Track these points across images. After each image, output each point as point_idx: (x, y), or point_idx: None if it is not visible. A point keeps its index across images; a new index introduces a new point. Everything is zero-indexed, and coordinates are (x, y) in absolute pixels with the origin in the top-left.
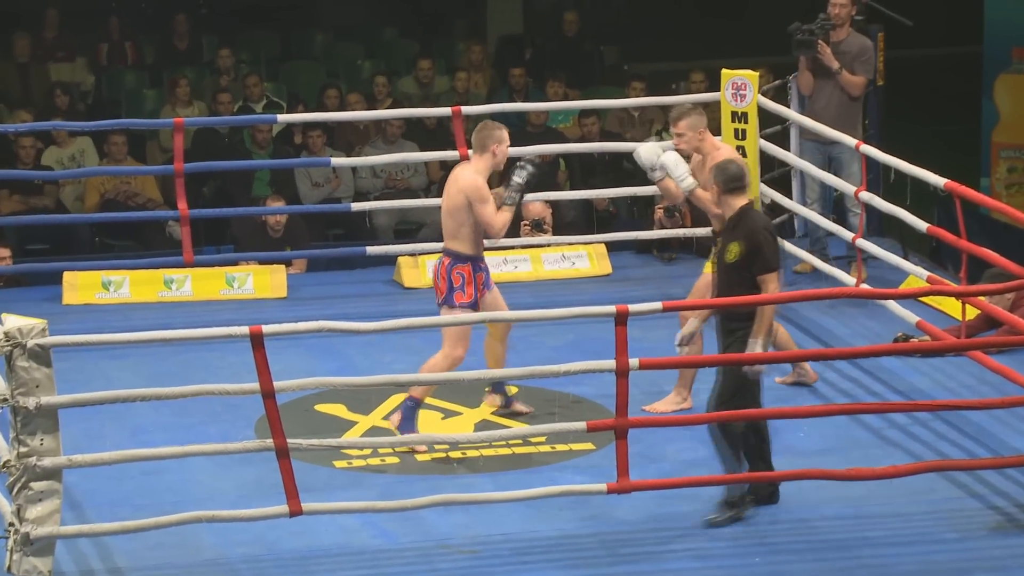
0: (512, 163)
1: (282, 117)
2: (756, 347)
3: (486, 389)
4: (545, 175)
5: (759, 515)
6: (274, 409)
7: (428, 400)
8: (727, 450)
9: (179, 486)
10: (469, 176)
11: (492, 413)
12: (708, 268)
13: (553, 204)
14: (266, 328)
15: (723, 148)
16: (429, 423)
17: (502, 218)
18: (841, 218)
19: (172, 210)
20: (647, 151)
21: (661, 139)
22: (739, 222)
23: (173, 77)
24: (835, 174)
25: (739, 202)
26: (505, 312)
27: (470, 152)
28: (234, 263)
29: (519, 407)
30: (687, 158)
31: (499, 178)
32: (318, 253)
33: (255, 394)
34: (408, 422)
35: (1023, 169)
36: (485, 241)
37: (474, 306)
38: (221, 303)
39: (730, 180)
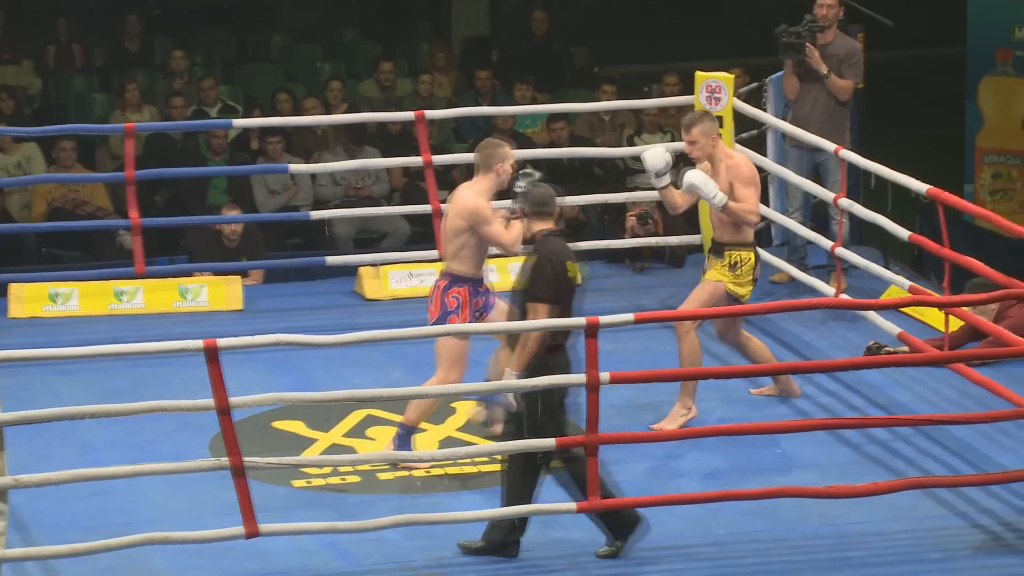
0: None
1: (237, 122)
2: (510, 378)
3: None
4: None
5: (736, 535)
6: (230, 426)
7: (389, 416)
8: (515, 485)
9: (130, 507)
10: (469, 199)
11: (457, 429)
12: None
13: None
14: (221, 342)
15: (736, 155)
16: (391, 439)
17: (513, 233)
18: (822, 226)
19: (123, 219)
20: (654, 156)
21: (633, 144)
22: (534, 248)
23: (122, 80)
24: (822, 182)
25: (540, 227)
26: (472, 325)
27: (434, 159)
28: (188, 274)
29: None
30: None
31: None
32: (275, 263)
33: (210, 411)
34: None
35: (1008, 175)
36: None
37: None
38: (174, 316)
39: (533, 204)
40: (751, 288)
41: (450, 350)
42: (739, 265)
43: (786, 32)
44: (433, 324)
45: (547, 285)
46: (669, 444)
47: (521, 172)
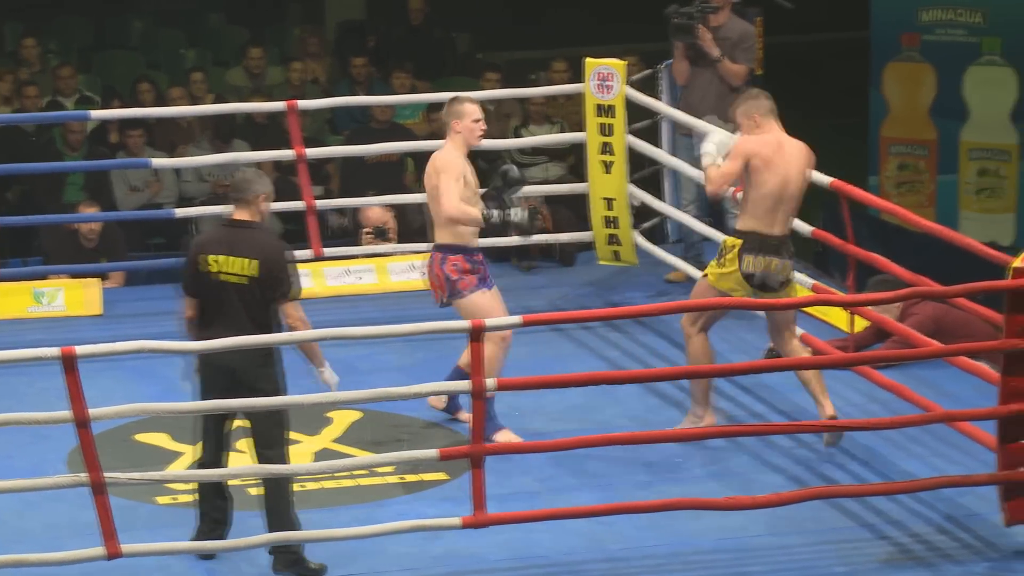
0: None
1: (96, 113)
2: (327, 375)
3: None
4: (391, 177)
5: (631, 550)
6: (89, 440)
7: None
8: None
9: None
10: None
11: (333, 440)
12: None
13: (399, 209)
14: (79, 349)
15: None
16: None
17: (469, 213)
18: (718, 221)
19: None
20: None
21: (519, 135)
22: None
23: None
24: None
25: (236, 215)
26: (350, 329)
27: (306, 151)
28: (42, 277)
29: (465, 416)
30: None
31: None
32: (137, 265)
33: (67, 423)
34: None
35: (915, 166)
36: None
37: (484, 283)
38: (28, 322)
39: (232, 189)
40: (735, 281)
41: (482, 309)
42: (724, 253)
43: (677, 13)
44: (448, 297)
45: (185, 276)
46: (559, 455)
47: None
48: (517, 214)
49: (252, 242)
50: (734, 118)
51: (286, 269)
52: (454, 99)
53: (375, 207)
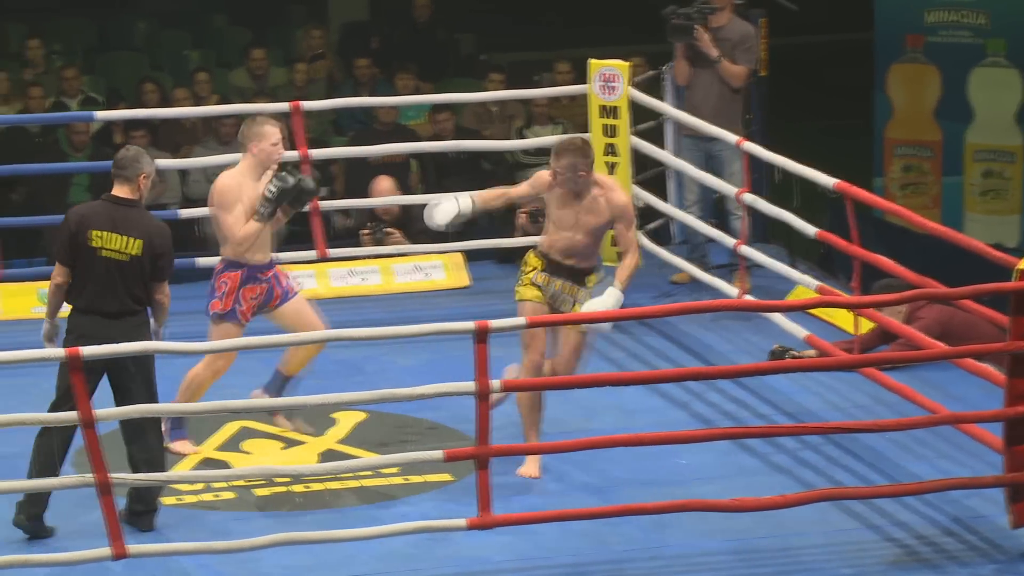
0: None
1: (100, 114)
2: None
3: (255, 391)
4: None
5: (636, 551)
6: (95, 440)
7: (266, 428)
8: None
9: None
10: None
11: (338, 442)
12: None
13: (405, 210)
14: (85, 350)
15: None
16: (268, 453)
17: (249, 229)
18: (722, 222)
19: None
20: (443, 214)
21: (523, 136)
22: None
23: None
24: (715, 173)
25: (115, 191)
26: (354, 330)
27: (310, 152)
28: (47, 278)
29: (281, 422)
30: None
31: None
32: None
33: (73, 424)
34: (177, 430)
35: (920, 168)
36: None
37: (231, 316)
38: (33, 322)
39: (114, 165)
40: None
41: (219, 336)
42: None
43: (675, 14)
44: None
45: (60, 245)
46: (565, 456)
47: (276, 175)
48: (305, 182)
49: (136, 221)
50: (556, 159)
51: (169, 252)
52: (253, 121)
53: (384, 181)
